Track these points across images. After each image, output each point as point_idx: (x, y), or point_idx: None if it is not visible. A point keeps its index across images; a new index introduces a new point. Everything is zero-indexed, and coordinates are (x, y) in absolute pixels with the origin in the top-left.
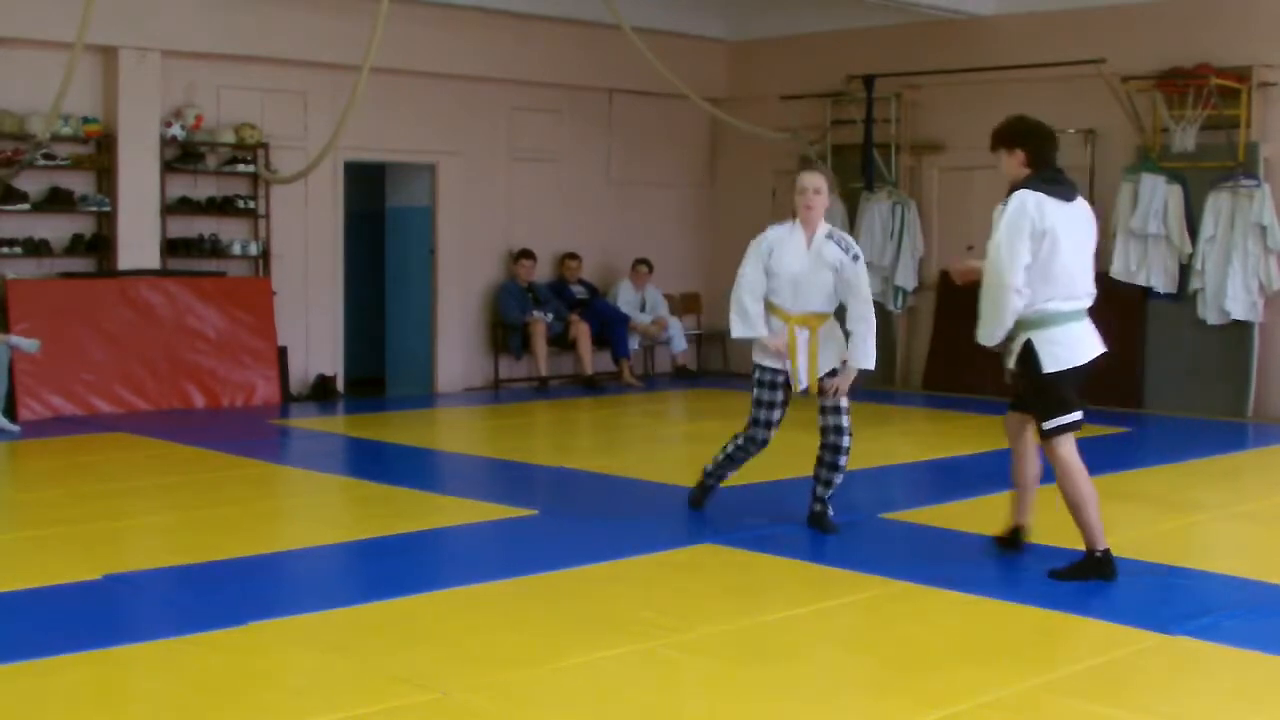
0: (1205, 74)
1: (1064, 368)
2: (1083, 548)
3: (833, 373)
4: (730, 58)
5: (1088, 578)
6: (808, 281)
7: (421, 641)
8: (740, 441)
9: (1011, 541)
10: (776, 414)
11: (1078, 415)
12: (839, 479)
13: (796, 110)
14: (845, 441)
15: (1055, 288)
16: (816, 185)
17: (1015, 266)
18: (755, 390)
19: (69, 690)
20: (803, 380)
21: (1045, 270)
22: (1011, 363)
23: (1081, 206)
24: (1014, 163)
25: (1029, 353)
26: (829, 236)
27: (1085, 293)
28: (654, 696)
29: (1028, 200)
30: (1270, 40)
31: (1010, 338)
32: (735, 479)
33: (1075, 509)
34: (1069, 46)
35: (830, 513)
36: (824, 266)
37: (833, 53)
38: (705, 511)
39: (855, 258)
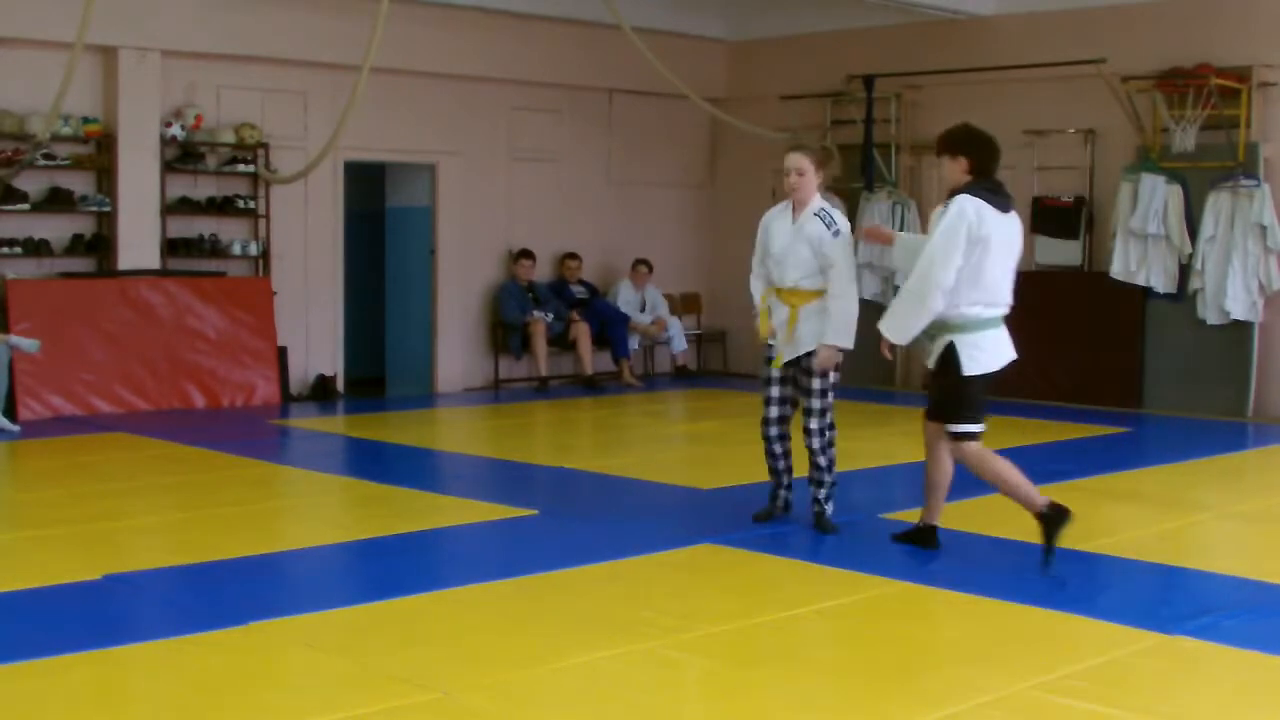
0: (1205, 74)
1: (982, 371)
2: (1083, 548)
3: (812, 354)
4: (730, 58)
5: (1058, 530)
6: (787, 256)
7: (421, 641)
8: (760, 431)
9: (923, 537)
10: (775, 390)
11: (981, 427)
12: (829, 478)
13: (796, 110)
14: (815, 443)
15: (981, 294)
16: (800, 167)
17: (948, 268)
18: (762, 370)
19: (69, 690)
20: (785, 356)
21: (975, 276)
22: (931, 363)
23: (1014, 219)
24: (957, 169)
25: (950, 354)
26: (817, 213)
27: (1005, 301)
28: (654, 696)
29: (968, 206)
30: (1270, 40)
31: (931, 338)
32: (735, 479)
33: (1003, 484)
34: (1069, 46)
35: (829, 512)
36: (802, 241)
37: (833, 53)
38: (708, 512)
39: (836, 234)
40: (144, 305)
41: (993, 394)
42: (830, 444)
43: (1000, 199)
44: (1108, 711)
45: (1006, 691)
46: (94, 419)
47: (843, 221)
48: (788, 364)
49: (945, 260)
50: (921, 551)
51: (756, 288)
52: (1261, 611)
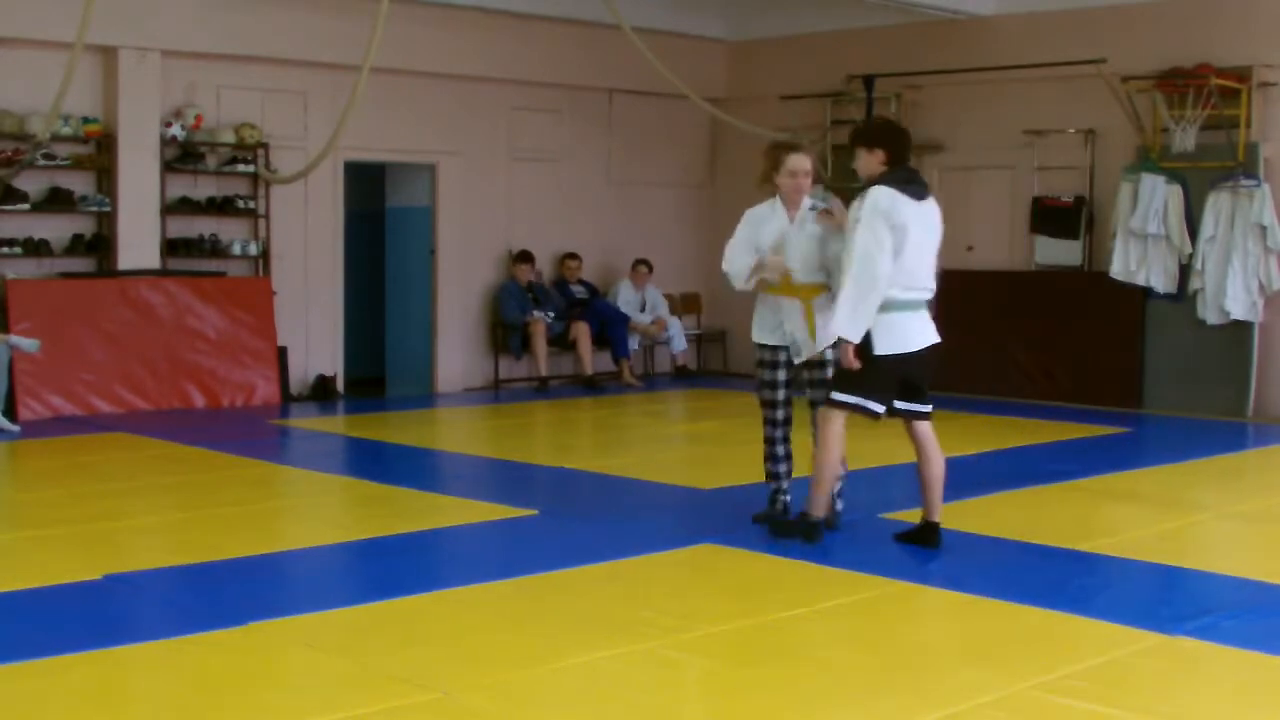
0: (1205, 74)
1: (894, 352)
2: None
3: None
4: (730, 58)
5: (796, 537)
6: (794, 255)
7: (421, 641)
8: (763, 433)
9: (925, 535)
10: (781, 394)
11: (872, 405)
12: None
13: (796, 110)
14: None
15: (898, 278)
16: (808, 168)
17: (884, 256)
18: (758, 373)
19: (69, 690)
20: (805, 354)
21: (894, 261)
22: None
23: (931, 205)
24: (873, 161)
25: (866, 334)
26: (811, 209)
27: (924, 286)
28: (654, 696)
29: (881, 196)
30: (1270, 40)
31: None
32: (735, 479)
33: (816, 474)
34: (1069, 46)
35: (839, 507)
36: (805, 238)
37: (833, 53)
38: (708, 512)
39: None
40: (144, 305)
41: (992, 394)
42: None
43: (915, 187)
44: (1108, 711)
45: (1006, 691)
46: (94, 419)
47: (828, 199)
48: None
49: (879, 249)
50: (922, 551)
51: (737, 257)
52: (1261, 611)
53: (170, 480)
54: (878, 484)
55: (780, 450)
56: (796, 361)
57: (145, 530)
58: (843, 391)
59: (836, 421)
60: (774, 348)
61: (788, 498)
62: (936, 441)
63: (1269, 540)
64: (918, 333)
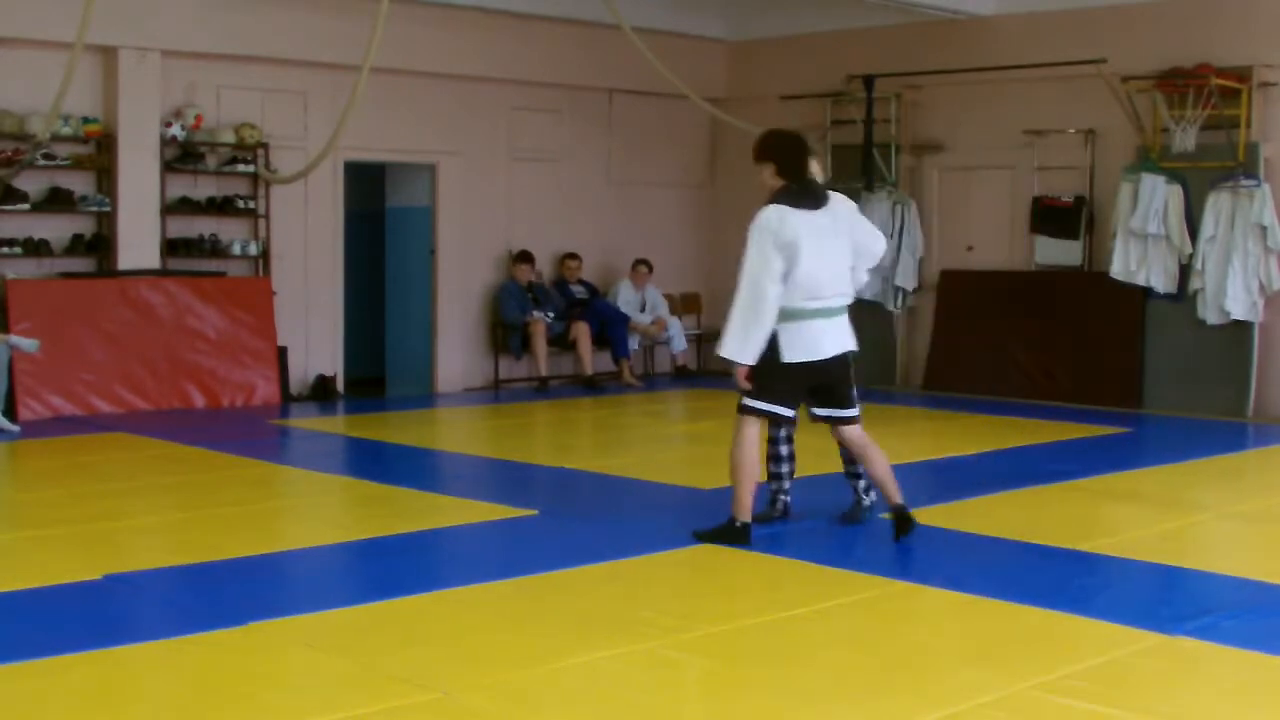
0: (1205, 74)
1: (801, 359)
2: (1083, 548)
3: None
4: (730, 58)
5: (727, 542)
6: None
7: (421, 641)
8: (767, 433)
9: (901, 523)
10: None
11: (781, 410)
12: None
13: (796, 110)
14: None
15: (798, 291)
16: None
17: (770, 277)
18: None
19: (69, 690)
20: None
21: (788, 277)
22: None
23: (830, 211)
24: (767, 174)
25: (773, 341)
26: None
27: (834, 293)
28: (654, 696)
29: (768, 217)
30: (1270, 40)
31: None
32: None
33: (734, 476)
34: (1069, 46)
35: (869, 502)
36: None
37: (833, 53)
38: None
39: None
40: (144, 305)
41: (992, 394)
42: None
43: (807, 199)
44: (1108, 711)
45: (1006, 691)
46: (94, 419)
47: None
48: None
49: (764, 270)
50: (921, 551)
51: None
52: (1261, 611)
53: (170, 480)
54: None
55: (784, 450)
56: None
57: (145, 530)
58: (753, 398)
59: (751, 426)
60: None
61: (788, 498)
62: (871, 440)
63: (1269, 540)
64: (830, 340)
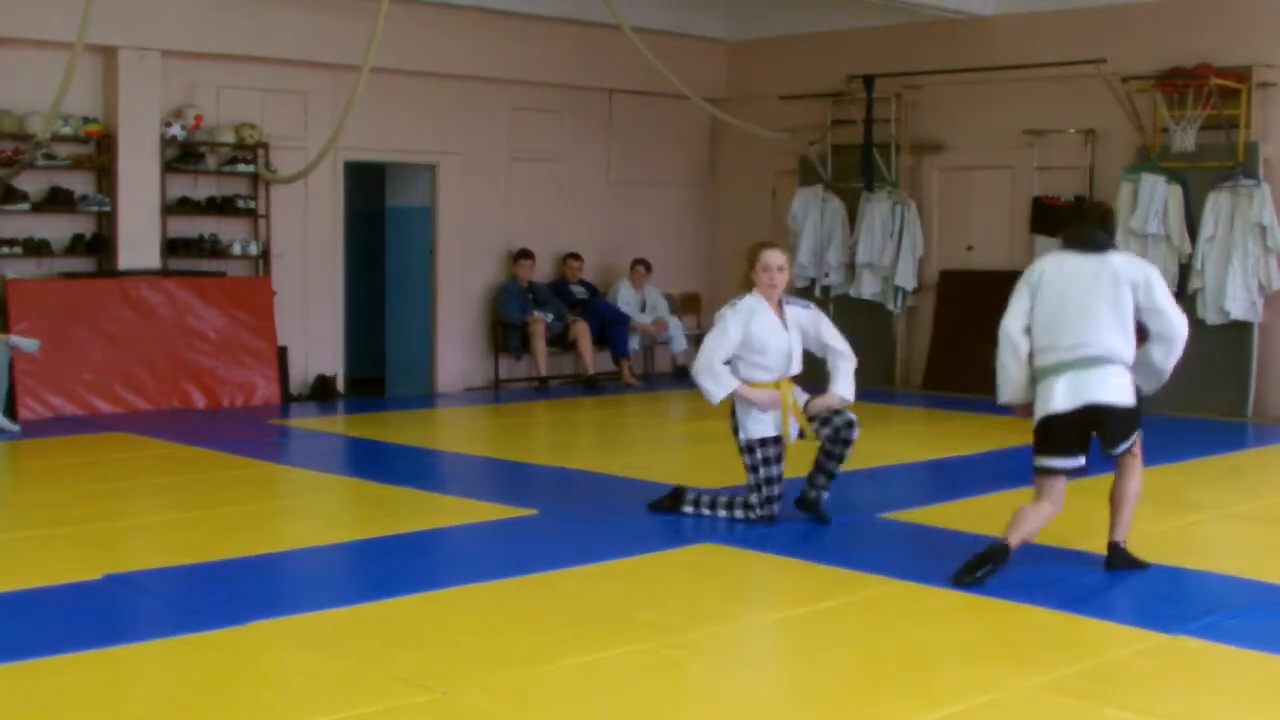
0: (1205, 74)
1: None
2: (1083, 548)
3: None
4: (730, 58)
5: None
6: (793, 351)
7: (421, 641)
8: (740, 514)
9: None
10: (776, 469)
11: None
12: (839, 469)
13: (796, 110)
14: (856, 434)
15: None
16: (780, 263)
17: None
18: (763, 469)
19: (69, 690)
20: (793, 433)
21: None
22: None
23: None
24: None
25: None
26: (788, 304)
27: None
28: (654, 696)
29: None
30: (1270, 40)
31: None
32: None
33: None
34: (1069, 46)
35: (826, 497)
36: (796, 332)
37: (833, 53)
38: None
39: (807, 306)
40: (144, 305)
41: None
42: None
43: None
44: (1108, 711)
45: (1006, 691)
46: (94, 419)
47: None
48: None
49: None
50: (921, 551)
51: (728, 384)
52: (1262, 611)
53: (170, 480)
54: (878, 484)
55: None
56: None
57: (145, 530)
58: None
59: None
60: (776, 439)
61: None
62: None
63: (1269, 540)
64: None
